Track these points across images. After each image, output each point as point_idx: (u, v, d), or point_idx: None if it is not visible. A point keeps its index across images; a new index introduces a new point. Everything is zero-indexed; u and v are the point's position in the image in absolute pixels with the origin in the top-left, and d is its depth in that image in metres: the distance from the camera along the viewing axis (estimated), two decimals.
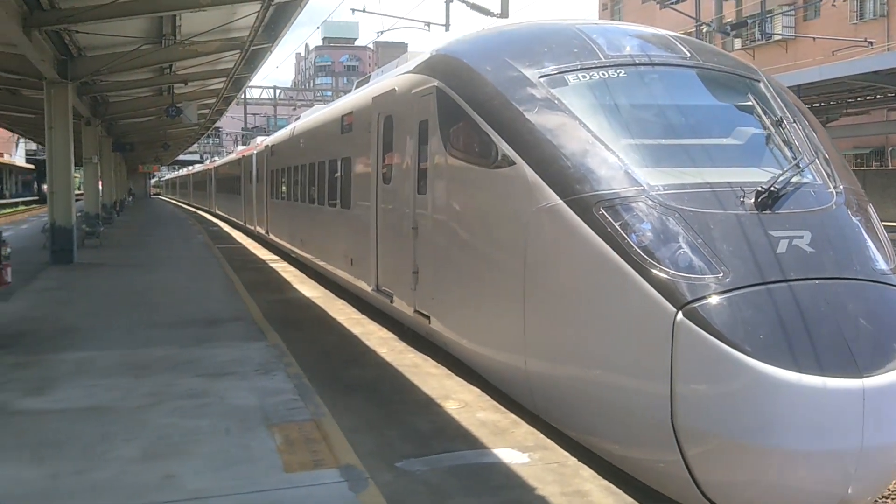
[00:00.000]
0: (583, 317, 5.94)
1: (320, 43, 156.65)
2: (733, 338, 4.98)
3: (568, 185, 6.15)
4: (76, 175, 35.35)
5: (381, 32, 38.94)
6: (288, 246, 19.51)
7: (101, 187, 31.81)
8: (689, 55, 7.42)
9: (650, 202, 5.78)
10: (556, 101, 6.74)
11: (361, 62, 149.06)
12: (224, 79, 23.82)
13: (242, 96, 56.65)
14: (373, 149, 10.88)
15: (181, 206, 62.90)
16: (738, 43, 46.71)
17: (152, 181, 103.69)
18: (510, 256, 6.73)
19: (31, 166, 76.77)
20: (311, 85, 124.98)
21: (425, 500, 4.86)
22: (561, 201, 6.12)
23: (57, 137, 17.59)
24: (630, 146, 6.32)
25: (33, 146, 70.42)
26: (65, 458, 5.47)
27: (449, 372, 7.93)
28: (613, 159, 6.16)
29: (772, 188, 5.81)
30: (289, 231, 19.37)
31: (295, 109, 68.88)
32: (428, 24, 27.70)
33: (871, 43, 35.81)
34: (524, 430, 6.16)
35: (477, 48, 8.36)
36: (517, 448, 5.73)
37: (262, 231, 24.33)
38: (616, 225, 5.71)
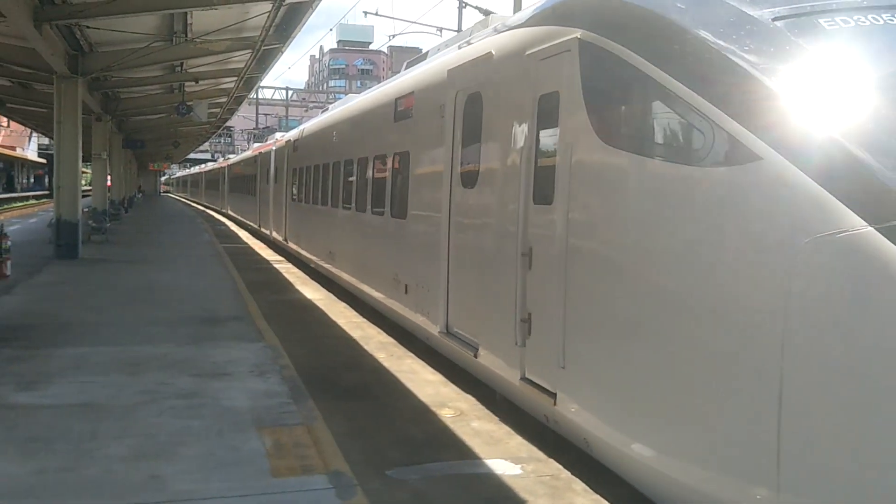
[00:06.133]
0: None
1: (335, 46, 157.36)
2: None
3: (879, 199, 3.85)
4: (86, 171, 35.48)
5: (393, 36, 38.85)
6: (310, 257, 16.75)
7: (109, 183, 31.87)
8: None
9: None
10: (813, 57, 4.52)
11: (376, 66, 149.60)
12: (235, 78, 23.83)
13: (254, 96, 56.89)
14: (446, 139, 8.39)
15: (190, 205, 63.00)
16: None
17: (163, 179, 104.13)
18: (749, 319, 4.22)
19: (43, 160, 76.91)
20: (325, 87, 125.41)
21: None
22: (871, 228, 3.75)
23: (65, 132, 17.69)
24: None
25: (46, 141, 70.59)
26: (53, 455, 5.42)
27: (445, 379, 7.85)
28: None
29: None
30: (315, 241, 16.39)
31: (307, 111, 69.10)
32: (440, 28, 27.67)
33: None
34: (518, 441, 6.07)
35: None
36: (510, 459, 5.64)
37: (280, 237, 21.59)
38: None
